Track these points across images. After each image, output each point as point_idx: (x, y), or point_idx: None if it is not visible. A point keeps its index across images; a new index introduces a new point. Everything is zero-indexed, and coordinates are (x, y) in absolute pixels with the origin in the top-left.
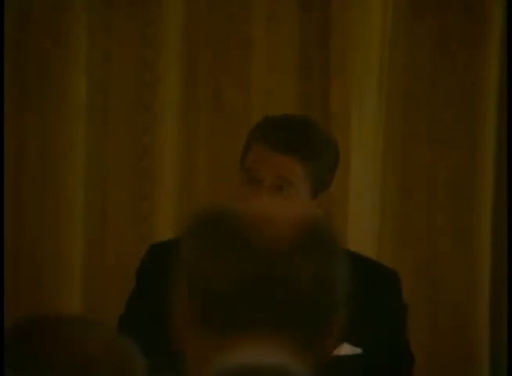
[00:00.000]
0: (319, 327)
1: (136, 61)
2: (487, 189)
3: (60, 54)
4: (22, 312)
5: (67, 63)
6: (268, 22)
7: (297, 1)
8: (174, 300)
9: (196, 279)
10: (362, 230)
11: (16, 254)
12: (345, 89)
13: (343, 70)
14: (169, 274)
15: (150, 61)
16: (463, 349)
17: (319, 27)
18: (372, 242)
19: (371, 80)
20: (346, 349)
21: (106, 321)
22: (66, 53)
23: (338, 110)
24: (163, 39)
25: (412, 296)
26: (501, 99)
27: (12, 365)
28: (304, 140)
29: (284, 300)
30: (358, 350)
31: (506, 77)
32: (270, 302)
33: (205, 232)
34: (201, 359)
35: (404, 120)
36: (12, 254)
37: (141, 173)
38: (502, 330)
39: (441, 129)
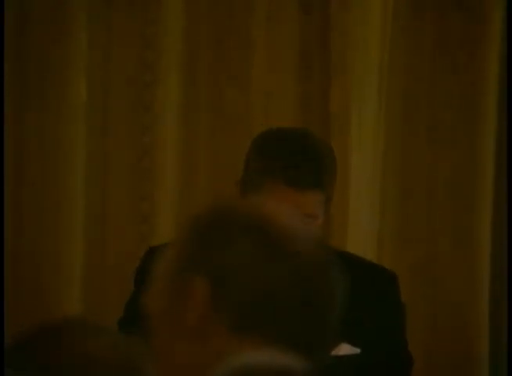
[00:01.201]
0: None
1: (136, 61)
2: (487, 189)
3: (60, 54)
4: (22, 312)
5: (67, 63)
6: (268, 22)
7: (297, 2)
8: (189, 298)
9: (236, 283)
10: (362, 230)
11: (16, 254)
12: (345, 90)
13: (343, 70)
14: None
15: (150, 61)
16: (463, 349)
17: (319, 27)
18: (372, 242)
19: (371, 80)
20: (345, 349)
21: (106, 321)
22: (66, 53)
23: (338, 110)
24: (163, 39)
25: (411, 296)
26: (501, 99)
27: (12, 366)
28: (322, 169)
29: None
30: (357, 350)
31: (506, 77)
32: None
33: (249, 237)
34: (218, 356)
35: (404, 120)
36: (12, 254)
37: (141, 173)
38: (502, 330)
39: (441, 129)
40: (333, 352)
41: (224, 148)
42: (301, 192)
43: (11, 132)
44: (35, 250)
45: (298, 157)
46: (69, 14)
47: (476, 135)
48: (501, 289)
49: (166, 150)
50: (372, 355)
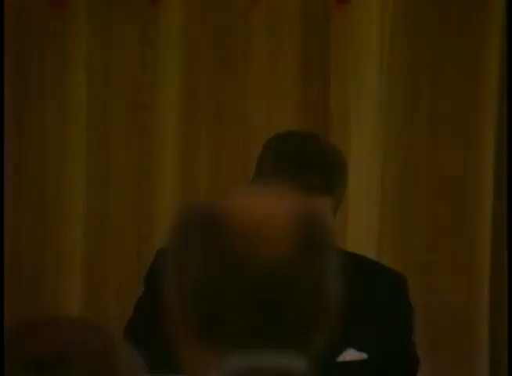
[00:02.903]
0: (312, 330)
1: (136, 61)
2: (487, 189)
3: (60, 54)
4: (22, 312)
5: (67, 62)
6: (268, 22)
7: (297, 2)
8: (168, 309)
9: (193, 292)
10: (362, 231)
11: (16, 253)
12: (345, 90)
13: (343, 70)
14: None
15: (150, 61)
16: (463, 350)
17: (319, 28)
18: (372, 243)
19: (371, 80)
20: (352, 355)
21: (105, 321)
22: (66, 53)
23: (338, 110)
24: (163, 39)
25: (412, 297)
26: (501, 99)
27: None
28: (334, 175)
29: (282, 312)
30: (363, 355)
31: (505, 76)
32: (268, 315)
33: (198, 244)
34: (198, 367)
35: (404, 120)
36: (12, 253)
37: (141, 173)
38: (503, 330)
39: (442, 129)
40: (340, 358)
41: (224, 148)
42: (313, 195)
43: (11, 132)
44: (35, 249)
45: (311, 163)
46: (69, 14)
47: (476, 135)
48: (501, 289)
49: (166, 150)
50: (379, 358)
